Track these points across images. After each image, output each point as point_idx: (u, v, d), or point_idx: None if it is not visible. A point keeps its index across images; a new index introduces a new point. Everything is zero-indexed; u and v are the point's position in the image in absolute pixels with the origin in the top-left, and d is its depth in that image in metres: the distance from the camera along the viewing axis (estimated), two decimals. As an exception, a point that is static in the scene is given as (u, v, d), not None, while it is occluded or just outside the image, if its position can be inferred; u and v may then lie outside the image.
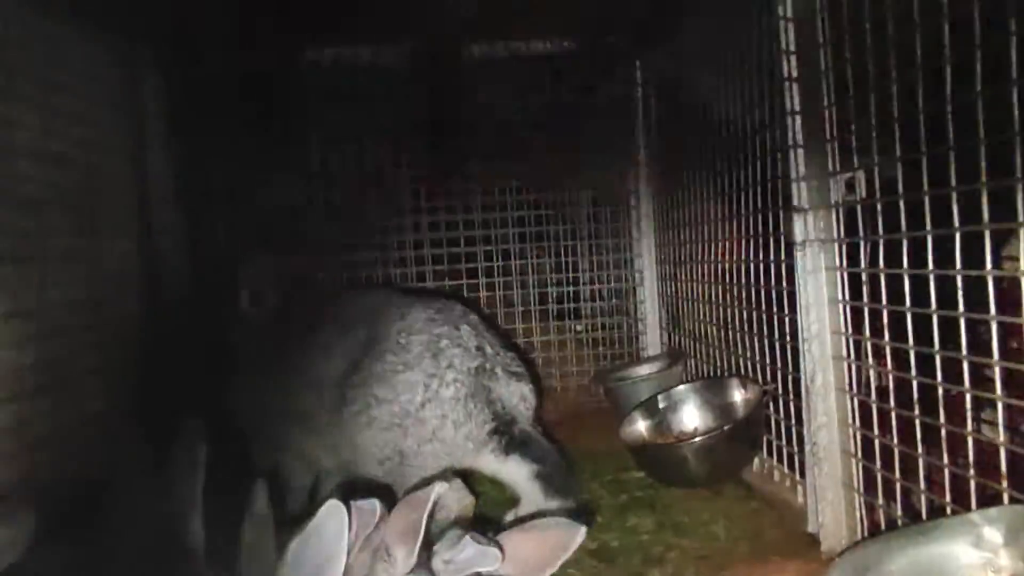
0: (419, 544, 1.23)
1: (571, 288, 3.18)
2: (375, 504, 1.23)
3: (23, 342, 1.98)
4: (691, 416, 2.22)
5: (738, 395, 2.13)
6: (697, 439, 2.01)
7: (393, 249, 3.07)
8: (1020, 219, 1.12)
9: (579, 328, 3.19)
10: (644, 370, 2.78)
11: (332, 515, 1.10)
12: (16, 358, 1.94)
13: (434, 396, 1.81)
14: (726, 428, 2.02)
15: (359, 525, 1.19)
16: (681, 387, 2.29)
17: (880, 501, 1.54)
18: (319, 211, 3.07)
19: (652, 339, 3.09)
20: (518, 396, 1.93)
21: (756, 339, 2.05)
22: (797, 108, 1.66)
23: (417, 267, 3.07)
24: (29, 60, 2.08)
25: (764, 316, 1.98)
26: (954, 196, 1.25)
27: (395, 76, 3.03)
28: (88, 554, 1.30)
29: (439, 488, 1.29)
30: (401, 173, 3.08)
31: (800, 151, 1.67)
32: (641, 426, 2.21)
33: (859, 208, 1.56)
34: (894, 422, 1.48)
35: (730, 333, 2.23)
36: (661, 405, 2.24)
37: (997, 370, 1.20)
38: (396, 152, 3.07)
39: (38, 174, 2.11)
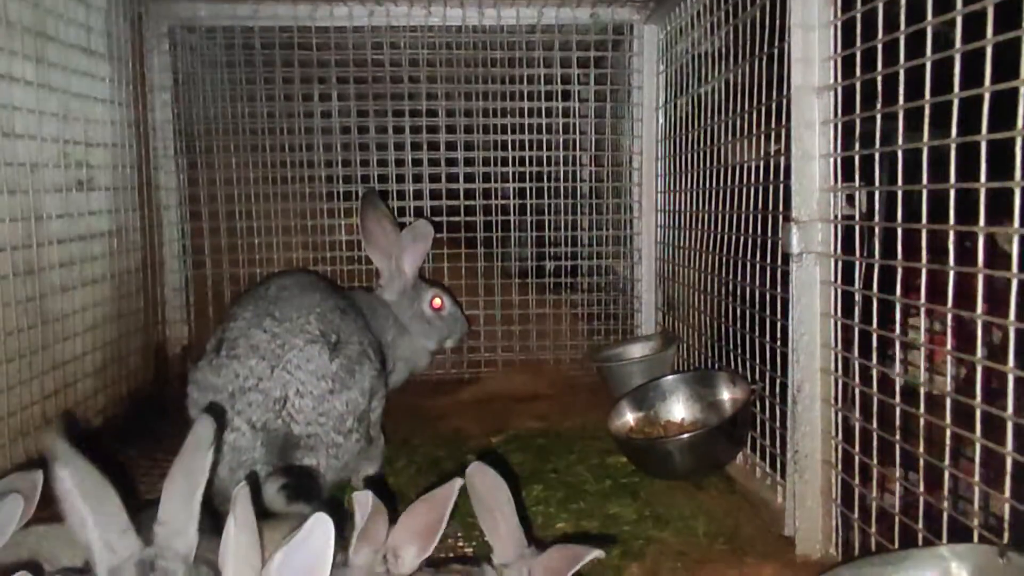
0: (434, 545, 1.27)
1: (569, 262, 3.19)
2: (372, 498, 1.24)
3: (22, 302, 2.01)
4: (679, 408, 2.25)
5: (727, 392, 2.15)
6: (683, 436, 2.04)
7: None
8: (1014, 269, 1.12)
9: (575, 302, 3.22)
10: (637, 351, 2.80)
11: (319, 527, 1.12)
12: (13, 317, 1.97)
13: None
14: (712, 426, 2.05)
15: (360, 517, 1.23)
16: (671, 378, 2.31)
17: (856, 515, 1.58)
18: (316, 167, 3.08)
19: (647, 318, 3.10)
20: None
21: (747, 337, 2.06)
22: (803, 118, 1.64)
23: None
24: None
25: (757, 317, 1.99)
26: (951, 235, 1.25)
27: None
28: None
29: (459, 484, 1.31)
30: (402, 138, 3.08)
31: (802, 162, 1.65)
32: (629, 418, 2.24)
33: (857, 225, 1.55)
34: (875, 441, 1.50)
35: (723, 326, 2.24)
36: (650, 395, 2.27)
37: (978, 411, 1.22)
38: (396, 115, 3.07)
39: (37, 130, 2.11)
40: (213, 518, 1.41)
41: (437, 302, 2.56)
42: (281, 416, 1.83)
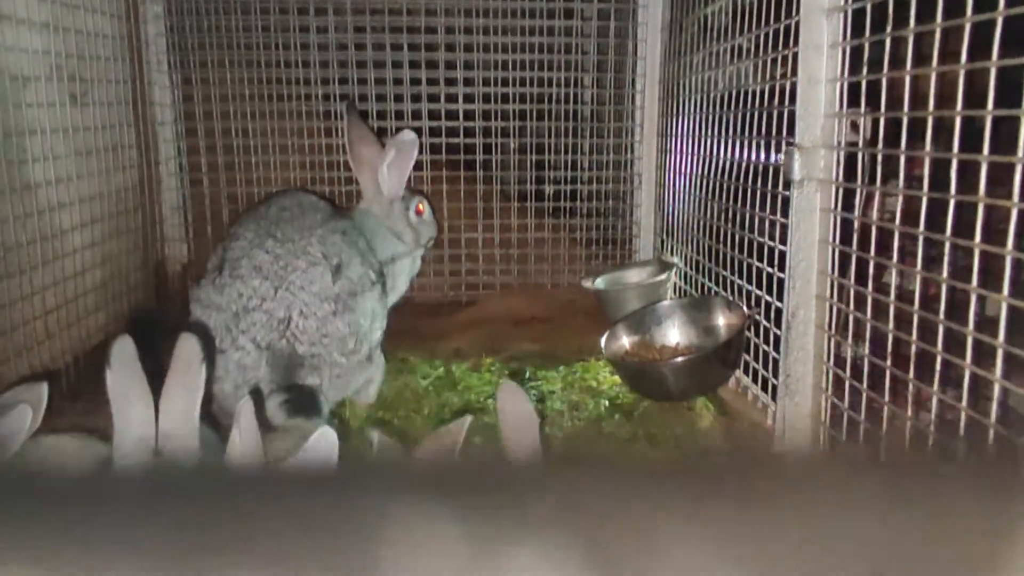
0: None
1: (569, 186, 3.17)
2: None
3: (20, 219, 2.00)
4: (675, 332, 2.27)
5: (722, 318, 2.18)
6: (677, 359, 2.08)
7: (385, 136, 3.03)
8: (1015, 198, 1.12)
9: (574, 226, 3.21)
10: (634, 277, 2.82)
11: (323, 440, 1.16)
12: (12, 232, 1.97)
13: None
14: (706, 351, 2.07)
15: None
16: (667, 302, 2.33)
17: (844, 438, 1.62)
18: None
19: (645, 243, 3.10)
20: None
21: (745, 263, 2.07)
22: (812, 40, 1.61)
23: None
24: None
25: (755, 243, 2.00)
26: (953, 163, 1.24)
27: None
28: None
29: (468, 421, 1.35)
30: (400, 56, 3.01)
31: (808, 86, 1.63)
32: (624, 341, 2.27)
33: (860, 153, 1.54)
34: (866, 367, 1.53)
35: (721, 252, 2.25)
36: (646, 319, 2.29)
37: (969, 338, 1.24)
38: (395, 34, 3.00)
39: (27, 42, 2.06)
40: (216, 433, 1.45)
41: (421, 207, 2.55)
42: (285, 336, 1.85)
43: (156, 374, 1.24)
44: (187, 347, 1.22)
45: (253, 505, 0.27)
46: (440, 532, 0.25)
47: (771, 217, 1.89)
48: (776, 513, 0.26)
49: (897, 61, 1.41)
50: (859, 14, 1.51)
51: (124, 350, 1.20)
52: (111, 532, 0.25)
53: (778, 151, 1.85)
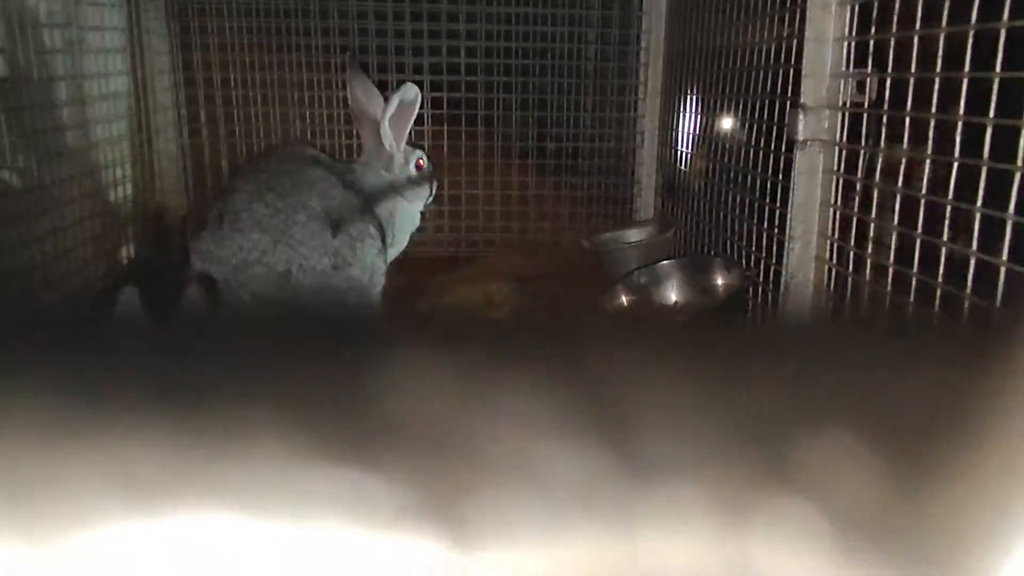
0: None
1: (571, 144, 3.15)
2: None
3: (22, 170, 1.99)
4: (673, 292, 2.28)
5: (721, 278, 2.18)
6: (675, 319, 2.09)
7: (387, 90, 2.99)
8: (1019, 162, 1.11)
9: (575, 184, 3.20)
10: (634, 236, 2.81)
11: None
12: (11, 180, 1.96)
13: None
14: (705, 311, 2.08)
15: None
16: (666, 262, 2.33)
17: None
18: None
19: (647, 202, 3.10)
20: None
21: (746, 224, 2.07)
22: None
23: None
24: None
25: (756, 205, 1.99)
26: (959, 125, 1.23)
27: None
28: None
29: None
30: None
31: (815, 45, 1.61)
32: (623, 300, 2.28)
33: (865, 114, 1.53)
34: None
35: (721, 213, 2.25)
36: (644, 280, 2.29)
37: (966, 303, 1.24)
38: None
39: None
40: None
41: (422, 162, 2.52)
42: (285, 290, 1.86)
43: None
44: (194, 298, 1.22)
45: (256, 349, 0.28)
46: (437, 374, 0.26)
47: (772, 179, 1.88)
48: (766, 361, 0.28)
49: (907, 20, 1.39)
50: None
51: (129, 300, 1.21)
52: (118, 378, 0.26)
53: (782, 111, 1.83)
